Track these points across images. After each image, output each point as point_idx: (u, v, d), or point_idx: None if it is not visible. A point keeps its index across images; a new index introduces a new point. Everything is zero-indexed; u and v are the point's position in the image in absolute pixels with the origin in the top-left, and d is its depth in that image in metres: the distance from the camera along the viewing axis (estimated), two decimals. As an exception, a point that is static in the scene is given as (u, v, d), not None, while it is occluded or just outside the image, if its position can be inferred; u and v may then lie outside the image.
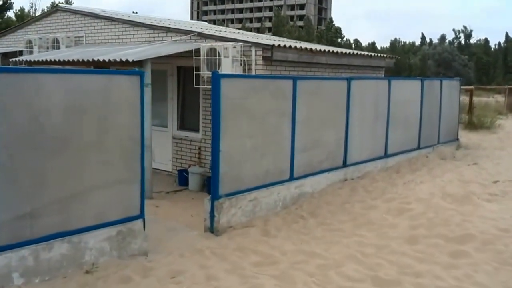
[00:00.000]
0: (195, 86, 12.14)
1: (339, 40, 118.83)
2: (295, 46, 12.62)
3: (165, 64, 13.57)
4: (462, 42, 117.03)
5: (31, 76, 6.22)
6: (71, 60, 12.34)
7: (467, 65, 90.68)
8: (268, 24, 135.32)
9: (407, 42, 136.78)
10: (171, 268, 7.02)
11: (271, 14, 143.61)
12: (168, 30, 13.61)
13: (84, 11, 16.39)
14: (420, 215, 9.33)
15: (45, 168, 6.38)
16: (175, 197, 11.92)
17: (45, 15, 18.30)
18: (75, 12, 16.70)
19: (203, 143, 13.04)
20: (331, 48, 14.62)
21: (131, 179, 7.36)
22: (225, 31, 16.34)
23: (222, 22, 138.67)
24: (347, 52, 15.09)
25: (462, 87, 19.65)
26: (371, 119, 13.00)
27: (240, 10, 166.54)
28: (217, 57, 11.47)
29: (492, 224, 8.65)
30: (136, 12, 25.79)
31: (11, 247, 6.13)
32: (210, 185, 9.51)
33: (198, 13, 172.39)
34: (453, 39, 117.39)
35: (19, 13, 68.21)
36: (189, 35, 12.91)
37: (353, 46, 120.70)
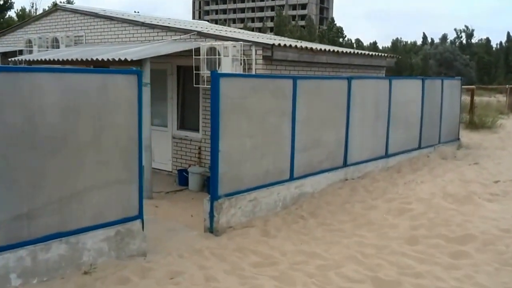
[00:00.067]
0: (195, 85, 12.10)
1: (341, 39, 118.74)
2: (296, 45, 12.57)
3: (165, 63, 13.53)
4: (464, 41, 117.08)
5: (27, 75, 6.17)
6: (70, 59, 12.31)
7: (468, 64, 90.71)
8: (270, 24, 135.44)
9: (409, 42, 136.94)
10: (170, 268, 6.98)
11: (273, 13, 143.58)
12: (168, 29, 13.57)
13: (84, 11, 16.35)
14: (421, 215, 9.29)
15: (42, 168, 6.33)
16: (175, 197, 11.87)
17: (44, 14, 18.27)
18: (74, 11, 16.67)
19: (203, 143, 13.00)
20: (332, 48, 14.55)
21: (129, 179, 7.31)
22: (225, 30, 16.28)
23: (224, 22, 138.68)
24: (348, 51, 15.04)
25: (463, 86, 19.59)
26: (372, 119, 12.95)
27: (242, 10, 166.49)
28: (217, 57, 11.43)
29: (493, 224, 8.61)
30: (138, 12, 25.76)
31: (9, 247, 6.08)
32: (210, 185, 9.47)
33: (200, 12, 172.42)
34: (454, 39, 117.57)
35: (20, 13, 68.26)
36: (189, 34, 12.87)
37: (354, 45, 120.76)
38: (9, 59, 15.57)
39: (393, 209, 9.82)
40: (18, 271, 6.14)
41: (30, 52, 16.46)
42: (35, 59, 13.88)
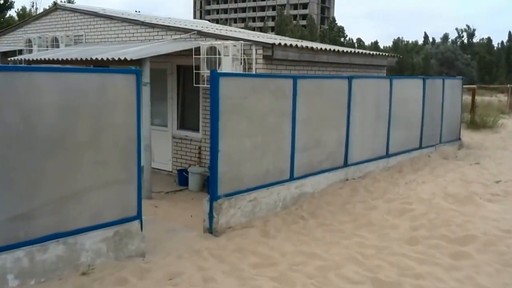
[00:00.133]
0: (195, 85, 12.06)
1: (342, 39, 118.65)
2: (296, 45, 12.52)
3: (165, 63, 13.49)
4: (465, 41, 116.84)
5: (25, 75, 6.12)
6: (69, 59, 12.28)
7: (470, 64, 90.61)
8: (271, 24, 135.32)
9: (410, 41, 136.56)
10: (169, 269, 6.93)
11: (274, 13, 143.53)
12: (168, 28, 13.53)
13: (84, 10, 16.30)
14: (422, 216, 9.25)
15: (40, 168, 6.29)
16: (174, 197, 11.83)
17: (44, 13, 18.23)
18: (74, 10, 16.64)
19: (203, 143, 12.96)
20: (333, 47, 14.49)
21: (128, 179, 7.26)
22: (226, 30, 16.24)
23: (225, 21, 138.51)
24: (349, 51, 14.99)
25: (464, 86, 19.56)
26: (373, 118, 12.91)
27: (243, 9, 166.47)
28: (217, 56, 11.38)
29: (494, 225, 8.57)
30: (139, 12, 25.73)
31: (6, 248, 6.04)
32: (210, 185, 9.44)
33: (201, 12, 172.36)
34: (456, 38, 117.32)
35: (21, 12, 68.26)
36: (189, 34, 12.83)
37: (356, 45, 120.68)
38: (9, 59, 15.55)
39: (393, 209, 9.78)
40: (15, 272, 6.10)
41: (30, 51, 16.44)
42: (35, 59, 13.85)
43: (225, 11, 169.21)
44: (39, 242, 6.33)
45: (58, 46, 15.87)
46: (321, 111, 11.01)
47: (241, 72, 11.35)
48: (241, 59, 11.46)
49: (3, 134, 5.94)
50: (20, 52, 16.93)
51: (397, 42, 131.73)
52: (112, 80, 6.99)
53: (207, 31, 12.92)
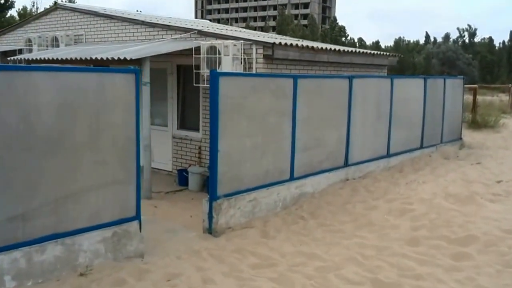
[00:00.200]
0: (195, 84, 12.01)
1: (343, 39, 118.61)
2: (297, 44, 12.48)
3: (165, 62, 13.45)
4: (467, 40, 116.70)
5: (22, 74, 6.08)
6: (69, 58, 12.24)
7: (471, 63, 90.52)
8: (272, 23, 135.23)
9: (411, 41, 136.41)
10: (167, 270, 6.89)
11: (275, 13, 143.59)
12: (168, 28, 13.49)
13: (84, 9, 16.26)
14: (422, 216, 9.20)
15: (38, 169, 6.25)
16: (174, 197, 11.79)
17: (44, 13, 18.19)
18: (74, 10, 16.60)
19: (203, 143, 12.92)
20: (333, 46, 14.44)
21: (127, 180, 7.22)
22: (226, 29, 16.19)
23: (226, 21, 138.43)
24: (349, 50, 14.95)
25: (465, 85, 19.51)
26: (373, 118, 12.86)
27: (244, 9, 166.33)
28: (217, 56, 11.34)
29: (495, 225, 8.52)
30: (140, 11, 25.67)
31: (3, 249, 6.00)
32: (209, 185, 9.40)
33: (202, 12, 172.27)
34: (457, 38, 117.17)
35: (22, 12, 68.29)
36: (189, 33, 12.79)
37: (357, 44, 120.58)
38: (8, 58, 15.52)
39: (394, 209, 9.73)
40: (12, 273, 6.07)
41: (30, 51, 16.41)
42: (35, 58, 13.81)
43: (226, 10, 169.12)
44: (36, 243, 6.29)
45: (58, 46, 15.84)
46: (321, 110, 10.97)
47: (242, 71, 11.30)
48: (241, 58, 11.42)
49: (1, 134, 5.91)
50: (20, 51, 16.90)
51: (399, 42, 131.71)
52: (111, 79, 6.95)
53: (207, 31, 12.88)
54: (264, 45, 11.54)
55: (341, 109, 11.63)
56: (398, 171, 13.17)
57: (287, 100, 9.99)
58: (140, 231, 7.47)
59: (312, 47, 12.85)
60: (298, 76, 10.40)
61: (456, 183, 11.55)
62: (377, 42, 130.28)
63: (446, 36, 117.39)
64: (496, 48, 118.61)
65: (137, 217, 7.41)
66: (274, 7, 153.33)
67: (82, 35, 16.00)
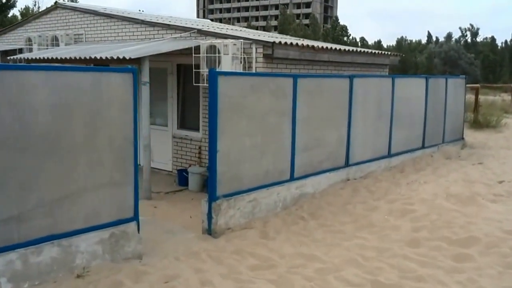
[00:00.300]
0: (194, 84, 11.94)
1: (345, 38, 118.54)
2: (297, 43, 12.42)
3: (165, 62, 13.40)
4: (469, 40, 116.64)
5: (16, 74, 6.01)
6: (69, 57, 12.19)
7: (473, 63, 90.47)
8: (274, 23, 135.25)
9: (413, 41, 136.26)
10: (165, 272, 6.82)
11: (277, 12, 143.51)
12: (168, 27, 13.42)
13: (84, 9, 16.21)
14: (423, 217, 9.13)
15: (33, 169, 6.17)
16: (174, 198, 11.73)
17: (44, 12, 18.13)
18: (74, 9, 16.54)
19: (204, 143, 12.85)
20: (334, 46, 14.36)
21: (124, 180, 7.15)
22: (226, 28, 16.13)
23: (228, 21, 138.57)
24: (350, 49, 14.87)
25: (467, 85, 19.43)
26: (374, 118, 12.78)
27: (246, 9, 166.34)
28: (217, 55, 11.27)
29: (497, 226, 8.45)
30: (143, 11, 25.64)
31: (-2, 251, 5.94)
32: (209, 185, 9.33)
33: (204, 11, 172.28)
34: (459, 37, 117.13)
35: (24, 11, 68.35)
36: (189, 32, 12.73)
37: (359, 44, 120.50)
38: (8, 58, 15.48)
39: (395, 210, 9.66)
40: (8, 275, 5.99)
41: (30, 50, 16.37)
42: (34, 58, 13.75)
43: (228, 10, 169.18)
44: (32, 244, 6.21)
45: (58, 45, 15.79)
46: (322, 110, 10.89)
47: (241, 71, 11.23)
48: (241, 58, 11.35)
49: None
50: (21, 51, 16.85)
51: (401, 41, 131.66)
52: (107, 79, 6.86)
53: (207, 30, 12.80)
54: (264, 44, 11.47)
55: (341, 108, 11.56)
56: (399, 171, 13.10)
57: (287, 100, 9.92)
58: (138, 232, 7.40)
59: (313, 46, 12.78)
60: (298, 76, 10.33)
61: (457, 183, 11.48)
62: (379, 42, 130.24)
63: (448, 36, 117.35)
64: (499, 47, 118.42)
65: (135, 218, 7.34)
66: (276, 7, 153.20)
67: (82, 34, 15.94)
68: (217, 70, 10.34)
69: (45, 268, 6.35)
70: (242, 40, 11.47)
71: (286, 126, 10.00)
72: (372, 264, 7.18)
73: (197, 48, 11.66)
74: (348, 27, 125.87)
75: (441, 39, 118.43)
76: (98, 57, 11.36)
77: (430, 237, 8.16)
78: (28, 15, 57.01)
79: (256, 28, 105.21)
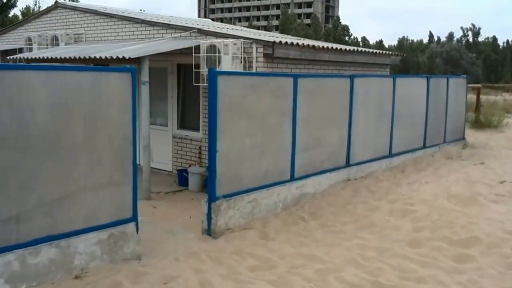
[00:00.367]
0: (194, 84, 11.89)
1: (347, 38, 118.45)
2: (297, 43, 12.38)
3: (165, 61, 13.36)
4: (470, 40, 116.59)
5: (15, 73, 5.96)
6: (68, 57, 12.15)
7: (475, 63, 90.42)
8: (275, 22, 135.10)
9: (415, 40, 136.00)
10: (165, 273, 6.77)
11: (278, 12, 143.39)
12: (168, 26, 13.39)
13: (84, 8, 16.19)
14: (424, 217, 9.08)
15: (32, 169, 6.13)
16: (174, 198, 11.69)
17: (44, 12, 18.10)
18: (74, 9, 16.52)
19: (204, 143, 12.80)
20: (335, 45, 14.33)
21: (123, 180, 7.10)
22: (227, 28, 16.08)
23: (229, 20, 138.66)
24: (351, 49, 14.81)
25: (469, 85, 19.38)
26: (375, 118, 12.74)
27: (247, 8, 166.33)
28: (217, 54, 11.23)
29: (498, 226, 8.40)
30: (144, 10, 25.60)
31: (-4, 251, 5.90)
32: (209, 185, 9.28)
33: (205, 11, 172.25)
34: (461, 37, 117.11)
35: (25, 11, 68.37)
36: (189, 32, 12.68)
37: (360, 44, 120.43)
38: (8, 57, 15.46)
39: (395, 210, 9.61)
40: (5, 276, 5.95)
41: (30, 50, 16.35)
42: (34, 57, 13.72)
43: (229, 10, 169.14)
44: (30, 245, 6.17)
45: (58, 45, 15.77)
46: (322, 110, 10.85)
47: (241, 70, 11.19)
48: (241, 57, 11.31)
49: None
50: (21, 50, 16.82)
51: (402, 41, 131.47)
52: (106, 79, 6.81)
53: (207, 29, 12.76)
54: (264, 44, 11.43)
55: (342, 108, 11.51)
56: (400, 171, 13.06)
57: (287, 100, 9.87)
58: (137, 232, 7.36)
59: (313, 46, 12.74)
60: (298, 75, 10.28)
61: (458, 183, 11.43)
62: (381, 42, 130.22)
63: (450, 36, 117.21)
64: (500, 47, 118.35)
65: (134, 218, 7.30)
66: (277, 6, 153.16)
67: (82, 34, 15.92)
68: (217, 69, 10.30)
69: (43, 269, 6.31)
70: (242, 40, 11.43)
71: (287, 126, 9.95)
72: (373, 265, 7.14)
73: (197, 48, 11.62)
74: (349, 27, 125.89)
75: (443, 39, 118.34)
76: (98, 57, 11.33)
77: (431, 237, 8.11)
78: (29, 15, 57.09)
79: (258, 28, 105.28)
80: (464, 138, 17.81)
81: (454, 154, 15.63)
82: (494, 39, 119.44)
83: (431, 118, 15.20)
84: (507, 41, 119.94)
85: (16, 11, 62.96)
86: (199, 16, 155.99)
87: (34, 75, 6.12)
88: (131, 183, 7.21)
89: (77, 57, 11.86)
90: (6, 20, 48.73)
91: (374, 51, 15.99)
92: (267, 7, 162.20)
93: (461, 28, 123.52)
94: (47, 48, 15.77)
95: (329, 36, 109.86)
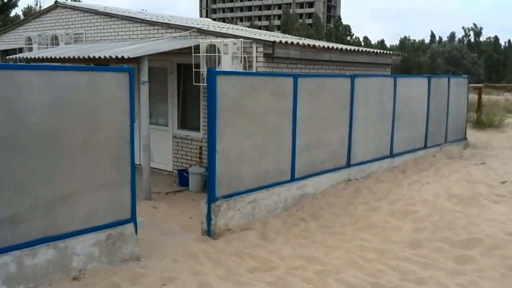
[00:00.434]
0: (194, 83, 11.84)
1: (348, 38, 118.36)
2: (298, 43, 12.32)
3: (165, 61, 13.33)
4: (472, 40, 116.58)
5: (13, 73, 5.92)
6: (68, 57, 12.11)
7: (476, 63, 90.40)
8: (277, 22, 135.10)
9: (417, 40, 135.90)
10: (163, 274, 6.72)
11: (280, 12, 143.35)
12: (168, 26, 13.34)
13: (84, 8, 16.17)
14: (425, 218, 9.02)
15: (28, 170, 6.08)
16: (174, 198, 11.64)
17: (44, 11, 18.06)
18: (74, 8, 16.49)
19: (204, 143, 12.75)
20: (335, 45, 14.28)
21: (121, 181, 7.05)
22: (227, 28, 16.03)
23: (231, 20, 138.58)
24: (352, 49, 14.75)
25: (470, 85, 19.33)
26: (376, 118, 12.68)
27: (249, 8, 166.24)
28: (217, 54, 11.18)
29: (500, 227, 8.34)
30: (145, 10, 25.57)
31: (-7, 253, 5.85)
32: (209, 186, 9.24)
33: (207, 11, 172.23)
34: (462, 37, 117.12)
35: (26, 11, 68.44)
36: (189, 31, 12.63)
37: (362, 43, 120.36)
38: (7, 57, 15.42)
39: (396, 211, 9.55)
40: (2, 277, 5.90)
41: (30, 49, 16.32)
42: (33, 57, 13.67)
43: (231, 9, 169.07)
44: (27, 246, 6.12)
45: (58, 44, 15.74)
46: (323, 110, 10.80)
47: (241, 70, 11.14)
48: (241, 57, 11.25)
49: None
50: (21, 50, 16.79)
51: (404, 41, 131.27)
52: (103, 78, 6.76)
53: (207, 29, 12.70)
54: (265, 43, 11.38)
55: (343, 108, 11.45)
56: (401, 172, 13.01)
57: (287, 100, 9.82)
58: (136, 233, 7.31)
59: (314, 46, 12.68)
60: (298, 75, 10.23)
61: (460, 184, 11.37)
62: (382, 41, 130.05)
63: (452, 35, 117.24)
64: (502, 47, 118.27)
65: (133, 219, 7.25)
66: (279, 6, 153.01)
67: (82, 33, 15.88)
68: (217, 69, 10.25)
69: (41, 270, 6.26)
70: (242, 39, 11.37)
71: (287, 126, 9.90)
72: (373, 266, 7.09)
73: (197, 47, 11.57)
74: (351, 27, 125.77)
75: (444, 38, 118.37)
76: (97, 56, 11.29)
77: (432, 238, 8.05)
78: (30, 15, 57.17)
79: (259, 27, 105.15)
80: (465, 138, 17.77)
81: (455, 154, 15.59)
82: (496, 39, 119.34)
83: (432, 118, 15.15)
84: (509, 40, 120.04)
85: (17, 11, 62.99)
86: (201, 16, 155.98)
87: (32, 75, 6.07)
88: (129, 183, 7.15)
89: (76, 57, 11.82)
90: (7, 20, 48.72)
91: (375, 51, 15.94)
92: (268, 7, 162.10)
93: (463, 28, 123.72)
94: (47, 47, 15.74)
95: (331, 36, 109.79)
